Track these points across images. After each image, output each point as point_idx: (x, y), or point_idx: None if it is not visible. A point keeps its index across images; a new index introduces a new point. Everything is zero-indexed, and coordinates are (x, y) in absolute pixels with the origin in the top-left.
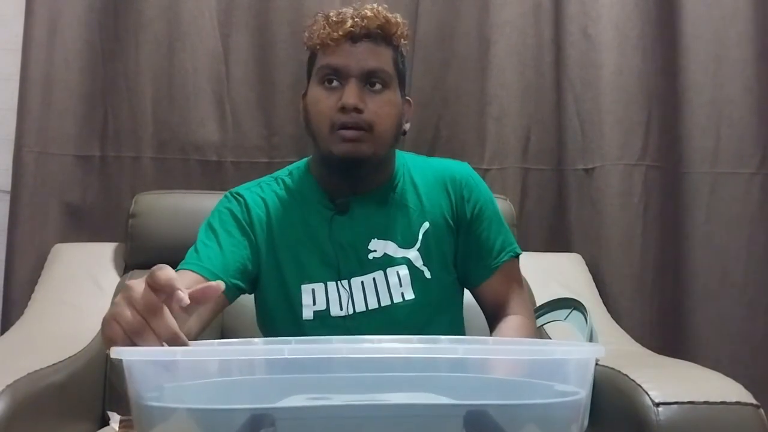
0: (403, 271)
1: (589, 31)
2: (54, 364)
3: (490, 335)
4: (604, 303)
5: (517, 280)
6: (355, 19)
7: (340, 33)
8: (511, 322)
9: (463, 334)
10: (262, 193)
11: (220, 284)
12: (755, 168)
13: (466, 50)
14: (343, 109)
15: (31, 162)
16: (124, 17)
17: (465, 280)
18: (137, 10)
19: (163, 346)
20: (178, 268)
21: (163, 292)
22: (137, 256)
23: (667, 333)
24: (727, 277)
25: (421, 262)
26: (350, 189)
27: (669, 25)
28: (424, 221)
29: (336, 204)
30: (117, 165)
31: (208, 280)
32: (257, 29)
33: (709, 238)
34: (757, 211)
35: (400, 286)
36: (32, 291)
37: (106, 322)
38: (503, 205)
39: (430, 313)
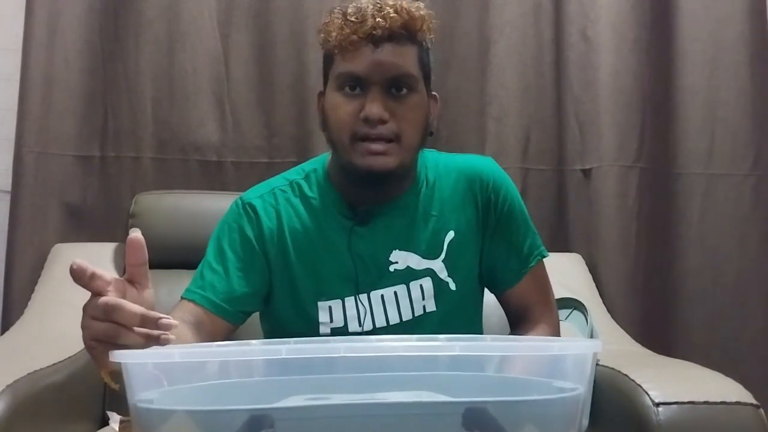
0: (427, 283)
1: (587, 32)
2: (54, 364)
3: None
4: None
5: (544, 284)
6: (377, 19)
7: (360, 35)
8: (536, 333)
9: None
10: (276, 203)
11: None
12: (748, 169)
13: (466, 50)
14: (367, 120)
15: (31, 162)
16: (124, 17)
17: (491, 285)
18: (137, 11)
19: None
20: (183, 295)
21: (89, 281)
22: None
23: (660, 332)
24: (720, 277)
25: (446, 274)
26: (372, 198)
27: (665, 26)
28: (449, 230)
29: (356, 213)
30: (117, 165)
31: (211, 313)
32: (257, 29)
33: (702, 238)
34: (749, 212)
35: (423, 299)
36: (32, 291)
37: (88, 348)
38: None
39: (451, 325)
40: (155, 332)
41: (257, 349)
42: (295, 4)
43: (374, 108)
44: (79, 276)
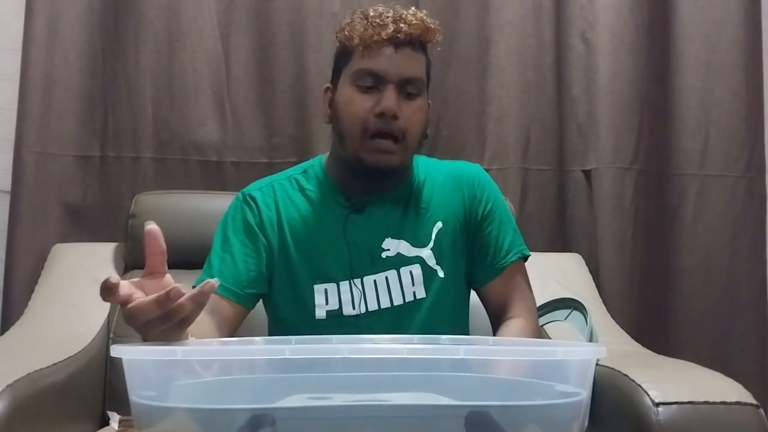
0: (416, 270)
1: (586, 35)
2: (54, 364)
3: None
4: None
5: (523, 281)
6: (399, 24)
7: (383, 37)
8: (513, 326)
9: (467, 334)
10: (275, 194)
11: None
12: (741, 171)
13: (466, 50)
14: (381, 115)
15: (31, 162)
16: (124, 17)
17: (471, 279)
18: (137, 11)
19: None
20: (194, 284)
21: (115, 298)
22: (137, 256)
23: (652, 330)
24: (712, 276)
25: (434, 261)
26: (368, 191)
27: (662, 29)
28: (437, 221)
29: (351, 203)
30: (117, 165)
31: (223, 297)
32: (257, 29)
33: (694, 238)
34: (741, 213)
35: (413, 285)
36: (32, 291)
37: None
38: None
39: (440, 312)
40: (171, 305)
41: (260, 349)
42: (295, 5)
43: (390, 105)
44: (110, 294)
